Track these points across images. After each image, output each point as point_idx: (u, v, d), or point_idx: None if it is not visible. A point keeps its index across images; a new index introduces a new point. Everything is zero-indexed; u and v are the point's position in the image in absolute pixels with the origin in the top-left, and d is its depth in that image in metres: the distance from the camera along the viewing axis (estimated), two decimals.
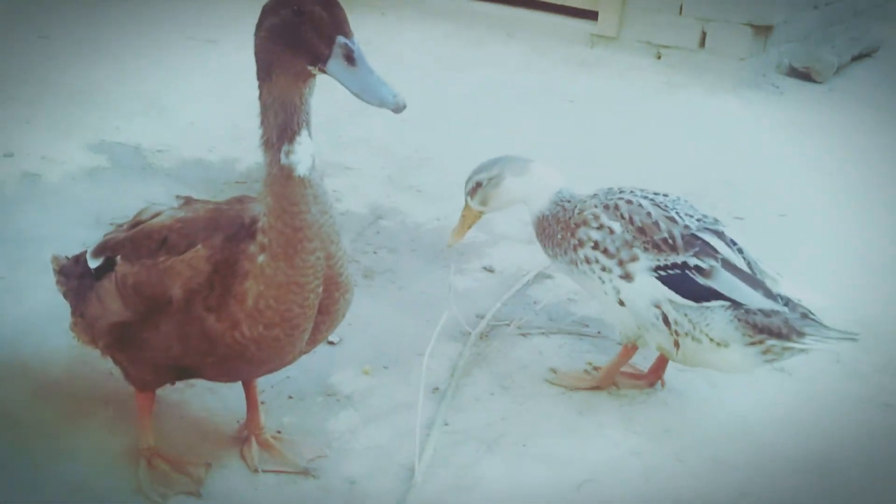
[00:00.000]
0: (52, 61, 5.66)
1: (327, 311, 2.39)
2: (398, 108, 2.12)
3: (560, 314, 3.60)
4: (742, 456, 2.89)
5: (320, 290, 2.34)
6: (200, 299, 2.32)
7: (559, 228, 3.05)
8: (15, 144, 4.50)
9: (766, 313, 2.85)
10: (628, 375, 3.21)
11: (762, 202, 4.73)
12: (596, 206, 2.99)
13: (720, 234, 2.94)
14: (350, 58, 2.13)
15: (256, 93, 2.25)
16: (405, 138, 5.02)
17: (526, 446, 2.85)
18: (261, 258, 2.27)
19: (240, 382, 2.71)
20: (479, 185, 3.13)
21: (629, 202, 2.96)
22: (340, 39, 2.13)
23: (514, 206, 3.20)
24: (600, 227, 2.95)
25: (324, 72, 2.16)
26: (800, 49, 6.95)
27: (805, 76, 6.73)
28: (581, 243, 2.98)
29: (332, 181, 4.43)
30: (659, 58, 6.56)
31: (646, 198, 2.99)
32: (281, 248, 2.26)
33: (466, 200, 3.18)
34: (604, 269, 2.94)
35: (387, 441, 2.81)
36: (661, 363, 3.17)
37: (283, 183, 2.24)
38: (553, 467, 2.78)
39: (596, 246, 2.95)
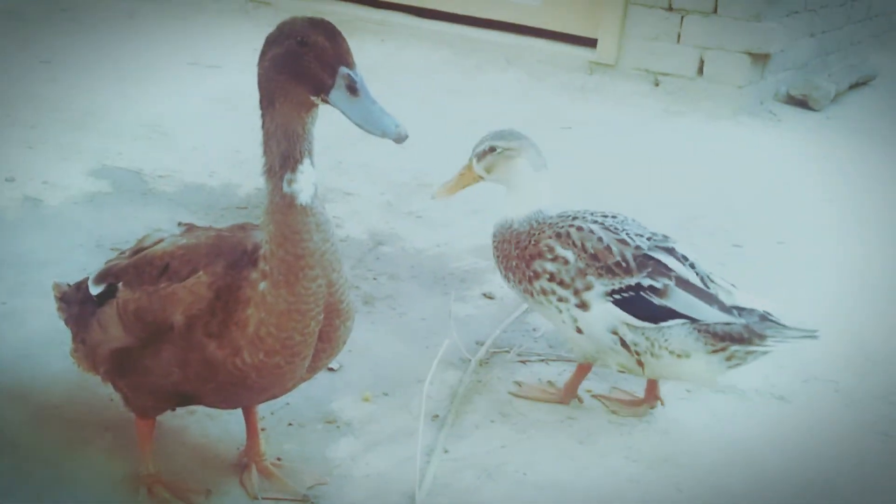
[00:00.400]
0: (54, 86, 5.69)
1: (328, 338, 2.40)
2: (400, 139, 2.14)
3: (559, 341, 3.60)
4: (741, 484, 2.89)
5: (321, 317, 2.34)
6: (201, 326, 2.32)
7: (515, 254, 3.05)
8: (17, 169, 4.51)
9: (725, 321, 2.87)
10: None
11: (760, 230, 4.75)
12: (549, 238, 2.99)
13: (671, 251, 2.95)
14: (352, 88, 2.15)
15: (258, 118, 2.27)
16: (404, 164, 5.04)
17: (526, 474, 2.84)
18: (262, 285, 2.28)
19: (240, 409, 2.71)
20: (492, 149, 3.10)
21: (580, 229, 2.96)
22: (343, 70, 2.16)
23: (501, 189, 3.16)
24: (555, 259, 2.96)
25: (326, 102, 2.18)
26: (797, 77, 7.00)
27: (802, 104, 6.77)
28: (536, 275, 2.99)
29: (333, 207, 4.45)
30: (657, 85, 6.59)
31: (596, 222, 2.99)
32: (282, 276, 2.26)
33: (471, 161, 3.14)
34: (560, 299, 2.95)
35: (387, 468, 2.81)
36: (653, 383, 3.17)
37: (285, 211, 2.25)
38: (553, 495, 2.77)
39: (552, 278, 2.95)
